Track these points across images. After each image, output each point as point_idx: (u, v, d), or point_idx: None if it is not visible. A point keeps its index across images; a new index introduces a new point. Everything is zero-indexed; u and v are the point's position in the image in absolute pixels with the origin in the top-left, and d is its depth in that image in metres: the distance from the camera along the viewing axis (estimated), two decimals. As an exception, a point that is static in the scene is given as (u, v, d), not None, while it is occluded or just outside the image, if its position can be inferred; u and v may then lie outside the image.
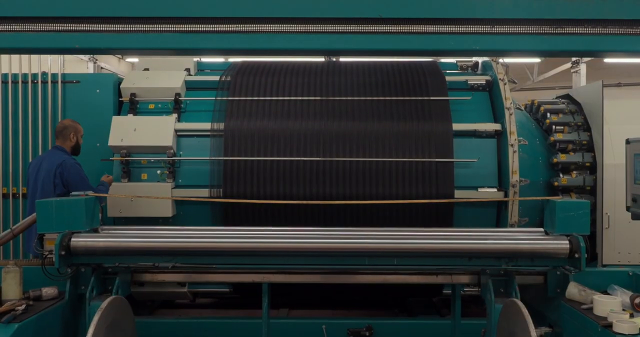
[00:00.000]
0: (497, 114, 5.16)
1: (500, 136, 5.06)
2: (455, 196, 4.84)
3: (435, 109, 5.05)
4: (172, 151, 4.98)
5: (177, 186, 5.04)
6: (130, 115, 5.13)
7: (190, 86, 5.34)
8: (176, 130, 5.03)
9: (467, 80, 5.32)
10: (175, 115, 5.11)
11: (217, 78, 5.31)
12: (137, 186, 4.96)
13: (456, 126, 4.97)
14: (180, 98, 5.18)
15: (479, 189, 5.00)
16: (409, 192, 4.84)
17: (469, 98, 5.17)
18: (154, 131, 4.99)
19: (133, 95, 5.19)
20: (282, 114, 5.05)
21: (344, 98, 5.12)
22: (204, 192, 4.95)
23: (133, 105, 5.18)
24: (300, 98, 5.12)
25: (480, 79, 5.33)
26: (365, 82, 5.26)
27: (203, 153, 5.02)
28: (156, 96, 5.19)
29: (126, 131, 4.98)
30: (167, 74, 5.36)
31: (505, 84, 5.22)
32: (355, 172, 4.84)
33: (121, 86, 5.22)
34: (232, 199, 4.79)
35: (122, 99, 5.23)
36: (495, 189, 5.00)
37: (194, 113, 5.20)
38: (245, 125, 5.00)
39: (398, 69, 5.44)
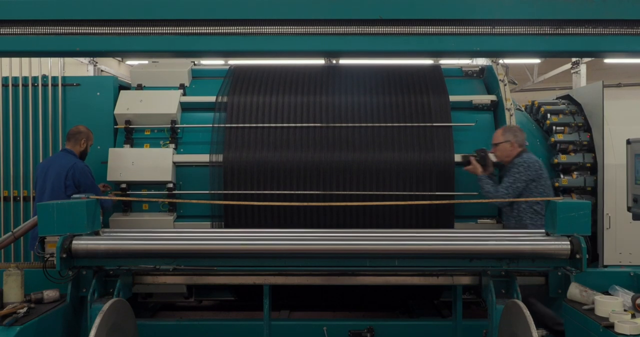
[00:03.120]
0: None
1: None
2: (455, 228, 4.88)
3: (437, 137, 5.01)
4: (171, 185, 4.99)
5: (178, 217, 5.07)
6: (127, 147, 5.14)
7: (186, 107, 5.31)
8: (175, 163, 5.04)
9: (471, 100, 5.28)
10: (172, 146, 5.11)
11: (213, 98, 5.27)
12: (138, 220, 5.03)
13: (459, 157, 4.96)
14: (176, 126, 5.16)
15: (479, 221, 5.06)
16: (409, 223, 4.86)
17: (473, 124, 5.15)
18: (152, 165, 5.01)
19: (128, 122, 5.18)
20: (281, 143, 5.02)
21: (344, 125, 5.07)
22: (205, 225, 5.02)
23: (129, 134, 5.18)
24: (299, 125, 5.08)
25: (484, 99, 5.29)
26: (366, 102, 5.20)
27: (203, 183, 5.02)
28: (151, 123, 5.19)
29: (124, 165, 5.00)
30: (161, 95, 5.30)
31: (505, 85, 5.22)
32: (355, 206, 4.81)
33: (115, 112, 5.20)
34: (234, 231, 4.78)
35: (117, 126, 5.23)
36: (494, 221, 5.05)
37: (192, 142, 5.19)
38: (244, 156, 4.98)
39: (401, 83, 5.35)
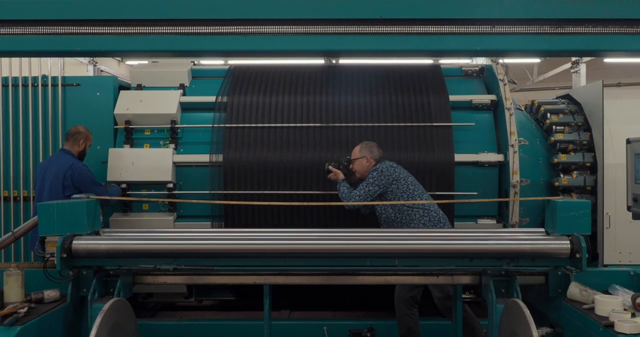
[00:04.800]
0: (501, 140, 5.13)
1: (502, 167, 5.05)
2: (455, 227, 4.86)
3: (437, 137, 5.02)
4: (171, 185, 4.99)
5: (178, 217, 5.07)
6: (127, 147, 5.14)
7: (185, 107, 5.31)
8: (175, 163, 5.04)
9: (471, 100, 5.28)
10: (172, 146, 5.11)
11: (213, 98, 5.27)
12: (138, 220, 5.03)
13: (458, 157, 4.98)
14: (176, 126, 5.16)
15: (479, 220, 5.06)
16: None
17: (473, 124, 5.16)
18: (152, 165, 5.00)
19: (128, 122, 5.17)
20: (282, 143, 5.02)
21: (344, 125, 5.07)
22: (205, 225, 5.03)
23: (129, 134, 5.18)
24: (299, 125, 5.07)
25: (484, 99, 5.28)
26: (366, 102, 5.20)
27: (203, 183, 5.03)
28: (151, 123, 5.19)
29: (124, 165, 5.00)
30: (161, 96, 5.29)
31: (505, 84, 5.22)
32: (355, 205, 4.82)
33: (115, 112, 5.20)
34: (234, 230, 4.77)
35: (117, 126, 5.23)
36: (494, 221, 5.07)
37: (192, 142, 5.19)
38: (244, 156, 4.99)
39: (401, 83, 5.34)
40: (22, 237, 4.29)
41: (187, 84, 5.49)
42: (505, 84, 5.21)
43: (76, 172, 4.74)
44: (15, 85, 5.40)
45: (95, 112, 5.32)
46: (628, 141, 4.45)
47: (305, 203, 4.61)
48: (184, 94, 5.38)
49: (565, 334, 3.69)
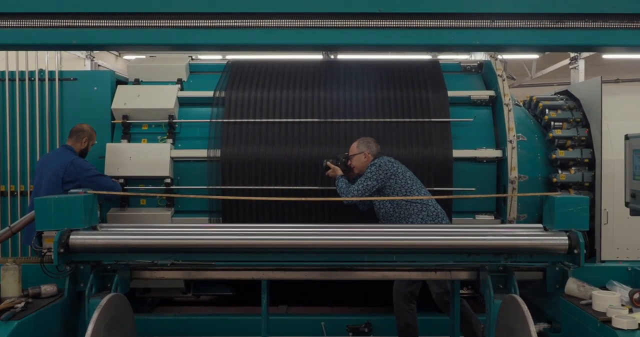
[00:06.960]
0: (499, 136, 5.12)
1: (500, 163, 5.05)
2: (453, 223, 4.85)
3: (436, 132, 5.01)
4: (169, 180, 4.99)
5: (176, 212, 5.06)
6: (125, 142, 5.13)
7: (183, 102, 5.29)
8: (172, 158, 5.02)
9: (470, 96, 5.27)
10: (170, 141, 5.10)
11: (211, 93, 5.25)
12: (136, 215, 5.02)
13: (456, 153, 4.97)
14: (174, 121, 5.14)
15: (476, 216, 5.07)
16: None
17: (471, 120, 5.15)
18: (150, 160, 4.99)
19: (125, 117, 5.16)
20: (279, 139, 5.01)
21: (343, 120, 5.06)
22: (203, 220, 5.03)
23: (126, 129, 5.17)
24: (297, 120, 5.07)
25: (483, 95, 5.27)
26: (365, 98, 5.18)
27: (201, 178, 5.02)
28: (149, 118, 5.17)
29: (121, 160, 4.99)
30: (159, 90, 5.28)
31: (504, 80, 5.21)
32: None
33: (112, 107, 5.18)
34: (232, 226, 4.76)
35: (114, 121, 5.21)
36: (492, 217, 5.08)
37: (190, 137, 5.17)
38: (242, 152, 4.98)
39: (399, 78, 5.33)
40: (19, 232, 4.28)
41: (184, 78, 5.47)
42: (503, 80, 5.21)
43: (77, 166, 4.72)
44: (12, 80, 5.37)
45: (93, 106, 5.30)
46: (626, 137, 4.44)
47: (303, 198, 4.60)
48: (181, 89, 5.37)
49: (562, 330, 3.70)
